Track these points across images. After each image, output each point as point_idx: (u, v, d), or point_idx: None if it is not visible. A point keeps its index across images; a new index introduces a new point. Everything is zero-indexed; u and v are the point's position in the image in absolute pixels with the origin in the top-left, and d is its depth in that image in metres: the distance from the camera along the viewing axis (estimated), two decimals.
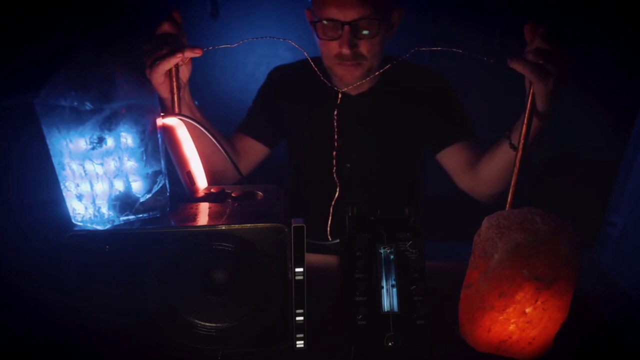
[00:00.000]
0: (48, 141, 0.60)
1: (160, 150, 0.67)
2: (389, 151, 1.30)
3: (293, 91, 1.32)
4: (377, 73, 1.06)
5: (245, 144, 1.29)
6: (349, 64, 1.12)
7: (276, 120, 1.32)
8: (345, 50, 1.08)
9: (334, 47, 1.11)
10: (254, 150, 1.30)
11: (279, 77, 1.36)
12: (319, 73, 0.94)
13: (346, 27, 1.06)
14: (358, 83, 1.16)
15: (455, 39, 2.16)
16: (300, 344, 0.70)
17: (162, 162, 0.67)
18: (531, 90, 0.75)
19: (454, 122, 1.26)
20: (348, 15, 1.06)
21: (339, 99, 0.95)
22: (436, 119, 1.26)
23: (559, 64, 0.73)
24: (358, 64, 1.12)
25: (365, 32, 1.09)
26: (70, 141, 0.59)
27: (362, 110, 1.26)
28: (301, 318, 0.69)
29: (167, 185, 0.68)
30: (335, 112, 0.95)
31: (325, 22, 1.09)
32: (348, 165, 1.27)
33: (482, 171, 1.12)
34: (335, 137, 0.97)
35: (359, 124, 1.26)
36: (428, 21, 2.15)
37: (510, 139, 0.90)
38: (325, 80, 0.95)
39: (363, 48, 1.10)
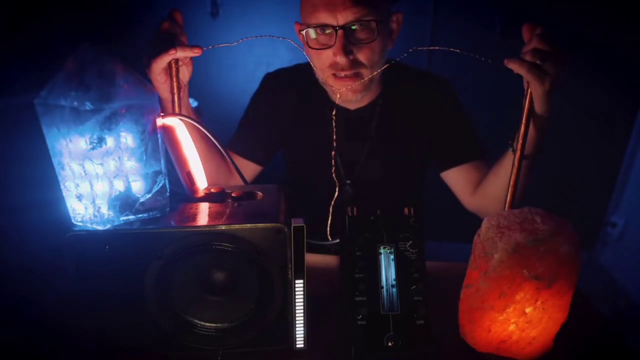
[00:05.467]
0: (48, 141, 0.60)
1: (160, 150, 0.67)
2: (390, 168, 1.24)
3: (287, 100, 1.25)
4: (374, 73, 1.01)
5: (235, 162, 1.23)
6: (346, 76, 1.01)
7: (269, 133, 1.25)
8: (341, 59, 0.97)
9: (327, 57, 1.00)
10: (244, 169, 1.20)
11: (272, 84, 1.28)
12: (318, 78, 0.92)
13: (339, 32, 0.96)
14: (358, 98, 1.09)
15: (455, 35, 2.16)
16: (300, 344, 0.70)
17: (162, 162, 0.67)
18: (529, 91, 0.76)
19: (461, 142, 1.18)
20: (340, 18, 0.95)
21: (334, 113, 0.92)
22: (442, 138, 1.19)
23: (556, 64, 0.73)
24: (356, 74, 1.01)
25: (361, 36, 0.98)
26: (70, 141, 0.59)
27: (362, 126, 1.19)
28: (301, 318, 0.69)
29: (167, 185, 0.68)
30: (334, 123, 0.92)
31: (315, 29, 0.99)
32: (348, 182, 1.21)
33: (489, 188, 1.06)
34: (335, 144, 0.95)
35: (358, 139, 1.19)
36: (429, 12, 2.14)
37: (512, 146, 0.88)
38: (320, 93, 0.91)
39: (361, 55, 0.99)
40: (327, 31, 0.99)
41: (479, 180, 1.12)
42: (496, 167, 1.00)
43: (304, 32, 1.02)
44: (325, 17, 0.96)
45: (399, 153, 1.23)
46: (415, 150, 1.23)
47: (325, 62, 1.02)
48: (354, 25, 0.97)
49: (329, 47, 0.99)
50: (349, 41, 0.98)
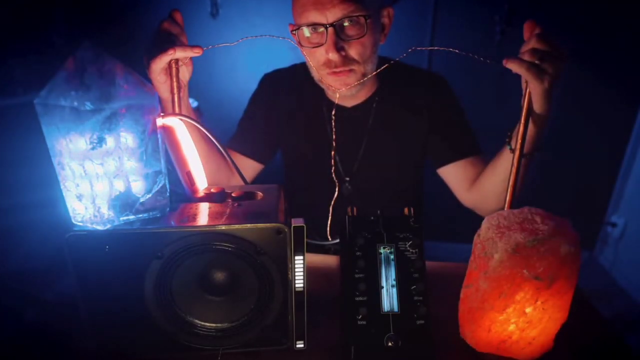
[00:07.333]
0: (48, 141, 0.60)
1: (160, 150, 0.67)
2: (388, 165, 1.25)
3: (285, 99, 1.27)
4: (373, 74, 1.03)
5: (236, 160, 1.23)
6: (339, 72, 1.03)
7: (268, 132, 1.27)
8: (333, 55, 0.99)
9: (320, 54, 1.02)
10: (245, 167, 1.24)
11: (270, 84, 1.30)
12: (315, 77, 0.93)
13: (330, 30, 0.98)
14: (353, 93, 1.10)
15: (455, 35, 2.15)
16: (300, 344, 0.70)
17: (162, 162, 0.67)
18: (527, 90, 0.76)
19: (457, 138, 1.20)
20: (329, 16, 0.97)
21: (333, 112, 0.93)
22: (438, 134, 1.21)
23: (555, 63, 0.73)
24: (350, 70, 1.03)
25: (351, 32, 1.00)
26: (70, 141, 0.59)
27: (359, 123, 1.21)
28: (301, 318, 0.69)
29: (167, 185, 0.68)
30: (333, 124, 0.93)
31: (306, 28, 1.01)
32: (347, 179, 1.23)
33: (486, 183, 1.06)
34: (334, 144, 0.96)
35: (356, 136, 1.21)
36: (429, 12, 2.14)
37: (510, 144, 0.89)
38: (317, 92, 0.92)
39: (352, 51, 1.01)
40: (320, 30, 1.00)
41: (475, 176, 1.14)
42: (493, 163, 1.02)
43: (296, 32, 1.03)
44: (314, 16, 0.98)
45: (395, 149, 1.24)
46: (411, 146, 1.25)
47: (319, 60, 1.03)
48: (344, 22, 0.99)
49: (321, 45, 1.01)
50: (339, 38, 1.00)
